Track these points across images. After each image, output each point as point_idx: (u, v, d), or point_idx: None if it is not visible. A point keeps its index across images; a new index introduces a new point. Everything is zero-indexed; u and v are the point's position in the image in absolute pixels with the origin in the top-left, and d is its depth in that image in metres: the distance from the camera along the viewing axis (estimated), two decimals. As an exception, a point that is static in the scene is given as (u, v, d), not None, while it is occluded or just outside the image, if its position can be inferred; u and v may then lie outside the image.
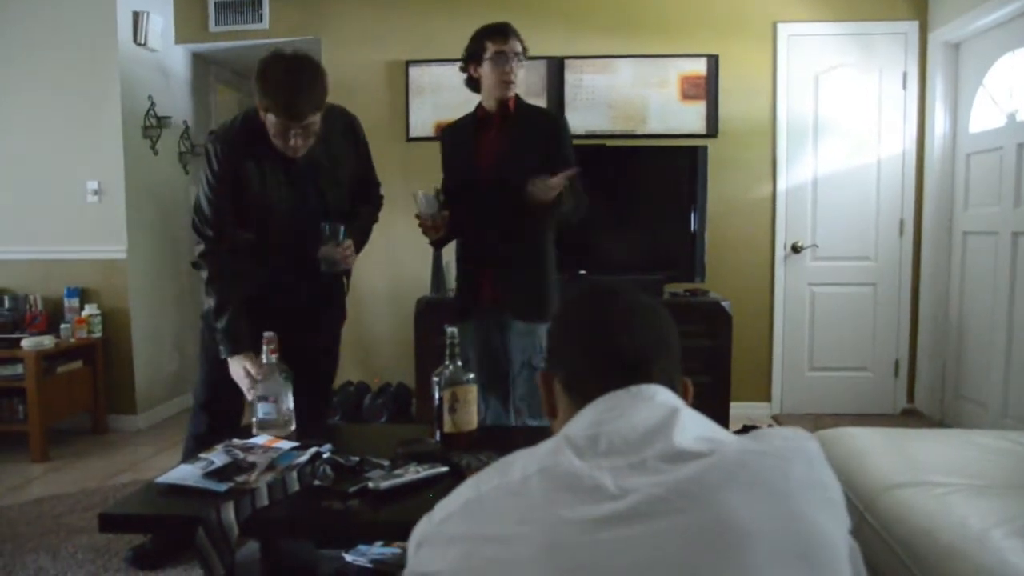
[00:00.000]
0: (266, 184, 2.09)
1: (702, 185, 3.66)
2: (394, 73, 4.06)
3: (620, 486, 0.67)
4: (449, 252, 3.69)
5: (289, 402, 1.85)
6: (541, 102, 3.84)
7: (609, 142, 3.84)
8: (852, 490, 1.76)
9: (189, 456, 2.18)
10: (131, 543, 2.35)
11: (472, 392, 1.74)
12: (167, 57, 4.23)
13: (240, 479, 1.47)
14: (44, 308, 3.75)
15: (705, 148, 3.70)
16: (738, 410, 3.64)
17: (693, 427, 0.74)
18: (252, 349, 2.01)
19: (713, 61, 3.92)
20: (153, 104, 4.03)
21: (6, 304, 3.73)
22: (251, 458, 1.58)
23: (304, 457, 1.58)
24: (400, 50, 4.05)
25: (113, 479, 3.14)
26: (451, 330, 1.75)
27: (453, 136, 2.46)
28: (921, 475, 1.73)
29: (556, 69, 3.96)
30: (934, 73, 3.82)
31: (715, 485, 0.66)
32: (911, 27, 3.89)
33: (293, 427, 1.85)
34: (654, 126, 3.95)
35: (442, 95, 3.97)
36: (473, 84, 2.37)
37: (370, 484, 1.44)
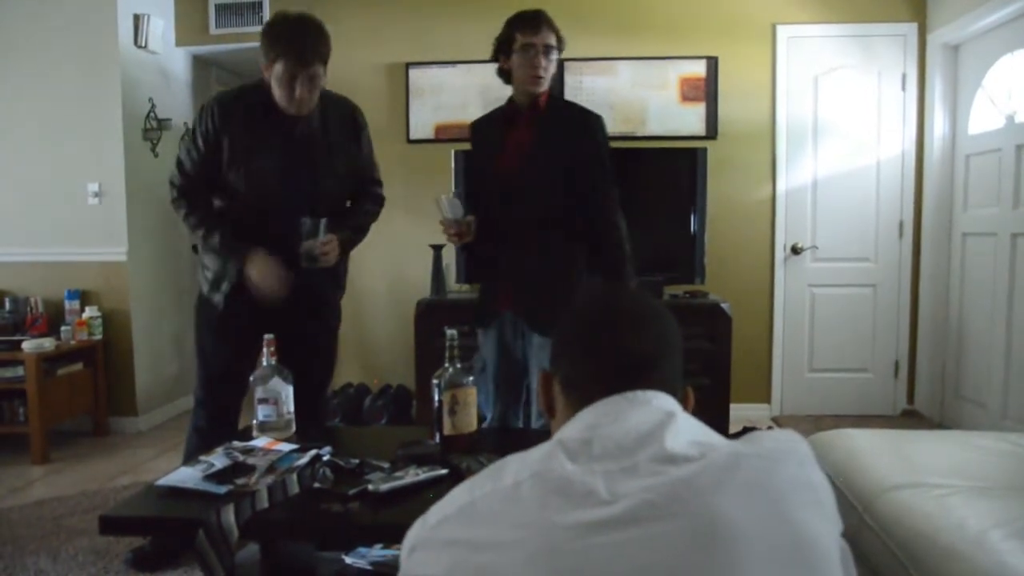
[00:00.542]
0: (253, 157, 2.06)
1: (702, 187, 3.66)
2: (394, 75, 4.06)
3: (612, 491, 0.67)
4: (449, 254, 3.72)
5: (290, 404, 1.85)
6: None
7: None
8: (851, 491, 1.75)
9: (191, 449, 2.19)
10: (131, 545, 2.35)
11: (472, 394, 1.73)
12: (168, 59, 4.24)
13: (240, 481, 1.48)
14: (45, 310, 3.75)
15: (705, 150, 3.71)
16: (738, 412, 3.64)
17: (687, 432, 0.74)
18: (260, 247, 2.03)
19: (713, 63, 3.93)
20: (154, 106, 4.04)
21: (7, 306, 3.73)
22: (251, 460, 1.58)
23: (304, 459, 1.58)
24: (400, 52, 4.06)
25: (113, 481, 3.14)
26: (451, 332, 1.74)
27: (483, 131, 2.31)
28: (920, 476, 1.73)
29: (556, 71, 3.96)
30: (933, 75, 3.83)
31: (706, 488, 0.66)
32: (910, 29, 3.89)
33: (293, 429, 1.85)
34: (654, 128, 3.95)
35: (442, 97, 3.96)
36: (504, 75, 2.23)
37: (370, 486, 1.44)
